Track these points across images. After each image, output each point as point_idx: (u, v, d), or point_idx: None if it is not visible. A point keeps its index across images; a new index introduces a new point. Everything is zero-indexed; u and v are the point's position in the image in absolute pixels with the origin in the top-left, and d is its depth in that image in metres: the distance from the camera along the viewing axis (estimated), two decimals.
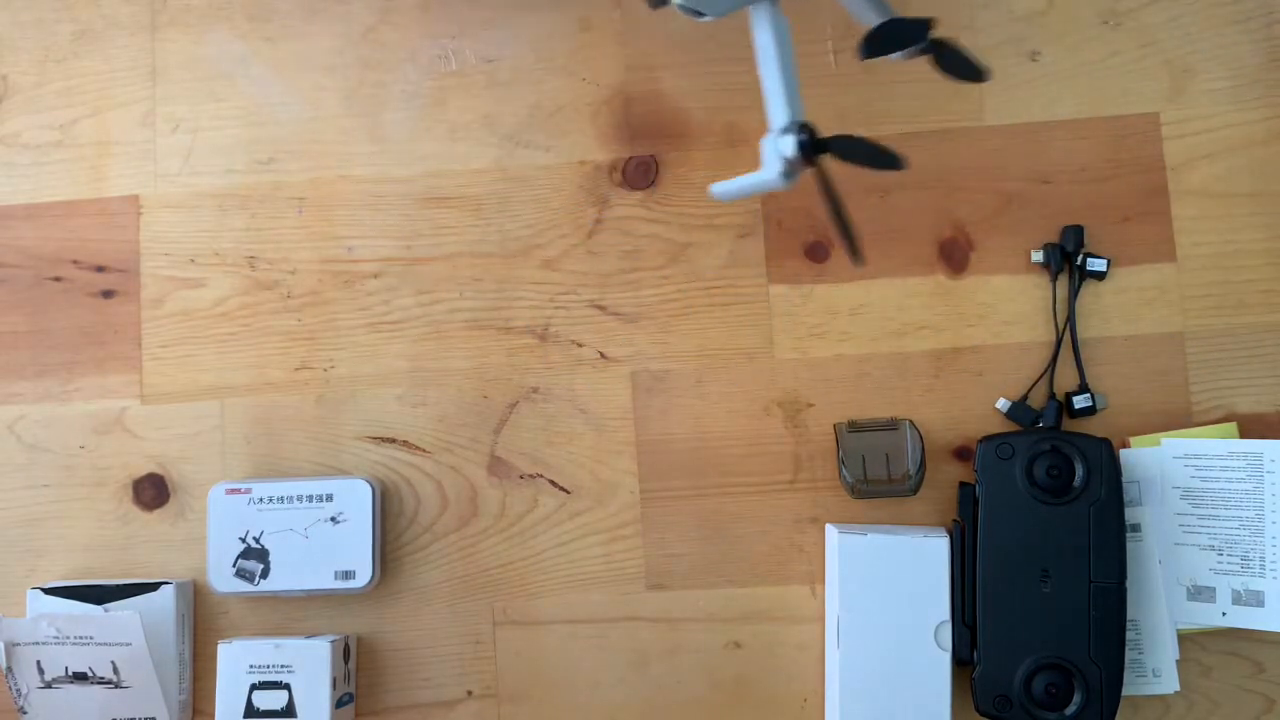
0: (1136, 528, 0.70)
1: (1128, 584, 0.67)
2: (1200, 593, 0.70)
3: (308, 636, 0.71)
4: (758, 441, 0.74)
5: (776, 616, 0.73)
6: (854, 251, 0.62)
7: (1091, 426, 0.73)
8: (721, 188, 0.63)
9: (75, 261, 0.77)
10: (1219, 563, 0.69)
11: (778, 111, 0.61)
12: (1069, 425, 0.73)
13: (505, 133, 0.77)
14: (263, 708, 0.69)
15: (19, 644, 0.69)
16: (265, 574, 0.72)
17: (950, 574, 0.68)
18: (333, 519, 0.72)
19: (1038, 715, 0.67)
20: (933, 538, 0.69)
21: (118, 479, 0.76)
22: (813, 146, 0.60)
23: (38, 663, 0.70)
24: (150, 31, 0.79)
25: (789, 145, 0.60)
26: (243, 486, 0.72)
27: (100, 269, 0.77)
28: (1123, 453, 0.71)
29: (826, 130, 0.66)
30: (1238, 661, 0.71)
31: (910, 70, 0.74)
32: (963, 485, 0.71)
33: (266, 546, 0.72)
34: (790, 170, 0.60)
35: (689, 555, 0.74)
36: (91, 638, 0.69)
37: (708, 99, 0.77)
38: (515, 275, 0.76)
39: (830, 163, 0.60)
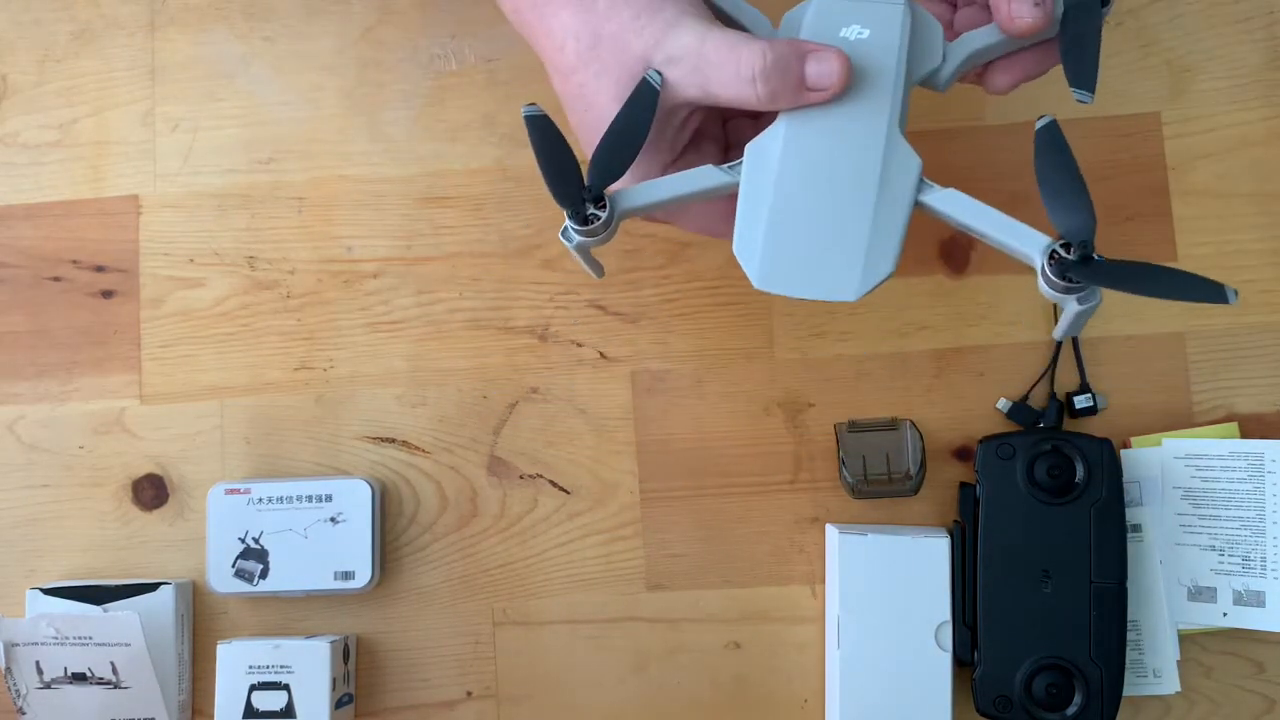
0: (1137, 528, 0.70)
1: (1128, 584, 0.67)
2: (1201, 593, 0.69)
3: (307, 637, 0.71)
4: (758, 441, 0.74)
5: (776, 616, 0.73)
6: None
7: (1092, 426, 0.73)
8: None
9: (75, 261, 0.77)
10: (1220, 563, 0.69)
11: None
12: (1070, 425, 0.73)
13: (505, 133, 0.77)
14: (262, 708, 0.69)
15: (18, 644, 0.69)
16: (265, 574, 0.72)
17: (950, 574, 0.68)
18: (332, 519, 0.72)
19: (1038, 716, 0.67)
20: (933, 538, 0.69)
21: (117, 479, 0.75)
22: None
23: (37, 663, 0.70)
24: (150, 31, 0.79)
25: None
26: (242, 487, 0.72)
27: (100, 269, 0.77)
28: (1124, 453, 0.71)
29: None
30: (1238, 662, 0.71)
31: None
32: (963, 485, 0.71)
33: (266, 547, 0.72)
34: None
35: (689, 555, 0.73)
36: (90, 638, 0.69)
37: None
38: (515, 275, 0.76)
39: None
